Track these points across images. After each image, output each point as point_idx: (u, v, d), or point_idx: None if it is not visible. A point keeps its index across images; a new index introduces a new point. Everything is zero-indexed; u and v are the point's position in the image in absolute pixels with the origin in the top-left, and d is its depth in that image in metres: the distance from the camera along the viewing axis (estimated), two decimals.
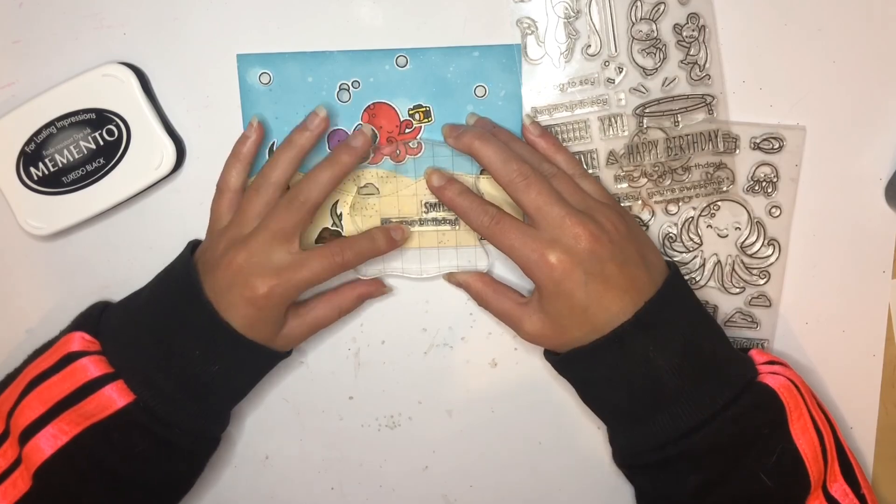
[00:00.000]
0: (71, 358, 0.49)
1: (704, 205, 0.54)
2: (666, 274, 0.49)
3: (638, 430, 0.48)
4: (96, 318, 0.51)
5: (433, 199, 0.54)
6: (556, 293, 0.47)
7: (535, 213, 0.48)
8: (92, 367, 0.48)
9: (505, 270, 0.56)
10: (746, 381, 0.48)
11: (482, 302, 0.53)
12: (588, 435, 0.57)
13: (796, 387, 0.48)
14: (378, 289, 0.55)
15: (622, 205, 0.54)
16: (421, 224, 0.55)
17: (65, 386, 0.48)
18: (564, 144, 0.54)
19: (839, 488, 0.47)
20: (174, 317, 0.49)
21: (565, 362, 0.50)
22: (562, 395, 0.57)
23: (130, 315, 0.51)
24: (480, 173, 0.53)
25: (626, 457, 0.50)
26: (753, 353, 0.51)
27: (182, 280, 0.49)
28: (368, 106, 0.54)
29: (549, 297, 0.48)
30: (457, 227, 0.54)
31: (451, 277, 0.55)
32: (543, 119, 0.54)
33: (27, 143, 0.52)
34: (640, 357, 0.46)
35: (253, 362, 0.51)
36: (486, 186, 0.53)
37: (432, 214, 0.54)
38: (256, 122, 0.52)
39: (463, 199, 0.50)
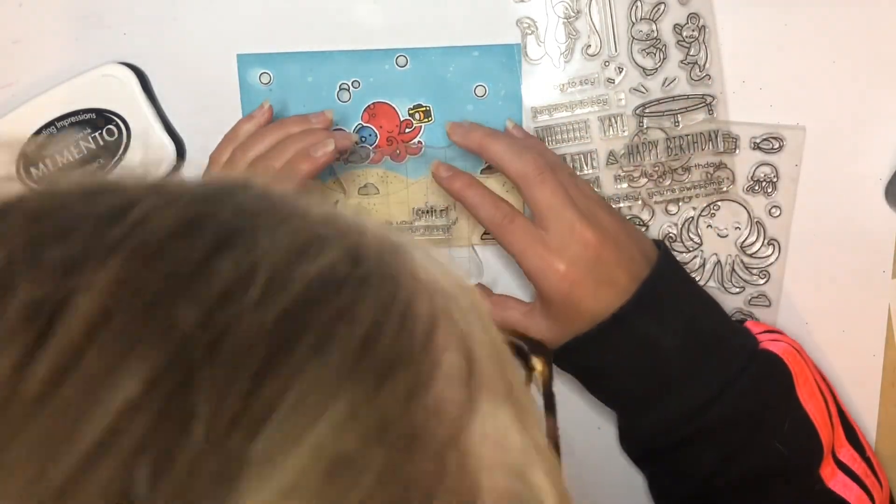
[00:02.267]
0: None
1: (704, 205, 0.54)
2: (657, 254, 0.49)
3: (648, 415, 0.48)
4: None
5: (434, 198, 0.54)
6: (565, 302, 0.47)
7: (546, 212, 0.47)
8: None
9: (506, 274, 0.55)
10: (749, 351, 0.48)
11: None
12: (588, 434, 0.57)
13: (797, 352, 0.48)
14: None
15: (622, 205, 0.54)
16: (422, 220, 0.55)
17: None
18: (565, 144, 0.54)
19: (847, 453, 0.47)
20: None
21: (565, 352, 0.48)
22: (561, 395, 0.57)
23: None
24: (480, 172, 0.53)
25: (638, 443, 0.50)
26: (748, 324, 0.51)
27: None
28: (368, 106, 0.54)
29: (558, 306, 0.47)
30: (455, 222, 0.54)
31: None
32: (543, 119, 0.54)
33: (27, 143, 0.52)
34: (642, 339, 0.46)
35: None
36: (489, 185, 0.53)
37: (430, 219, 0.55)
38: (267, 106, 0.51)
39: (474, 191, 0.49)
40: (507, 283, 0.55)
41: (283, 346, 0.17)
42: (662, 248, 0.50)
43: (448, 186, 0.49)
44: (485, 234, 0.55)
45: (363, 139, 0.54)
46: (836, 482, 0.47)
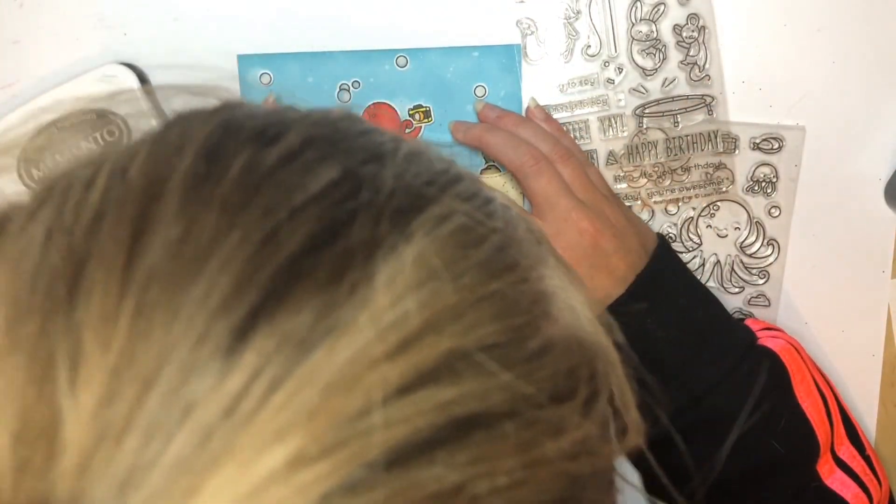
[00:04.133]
0: None
1: (704, 205, 0.54)
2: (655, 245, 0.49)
3: (643, 409, 0.47)
4: None
5: None
6: None
7: (541, 201, 0.47)
8: None
9: None
10: (745, 346, 0.48)
11: None
12: None
13: (796, 350, 0.48)
14: None
15: None
16: None
17: None
18: None
19: (846, 451, 0.47)
20: None
21: None
22: None
23: None
24: (481, 172, 0.53)
25: None
26: (749, 322, 0.51)
27: None
28: (368, 106, 0.54)
29: None
30: None
31: None
32: None
33: (28, 144, 0.52)
34: (636, 331, 0.46)
35: None
36: (489, 184, 0.53)
37: None
38: (272, 100, 0.52)
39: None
40: None
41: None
42: (660, 240, 0.50)
43: None
44: None
45: None
46: (834, 480, 0.47)
